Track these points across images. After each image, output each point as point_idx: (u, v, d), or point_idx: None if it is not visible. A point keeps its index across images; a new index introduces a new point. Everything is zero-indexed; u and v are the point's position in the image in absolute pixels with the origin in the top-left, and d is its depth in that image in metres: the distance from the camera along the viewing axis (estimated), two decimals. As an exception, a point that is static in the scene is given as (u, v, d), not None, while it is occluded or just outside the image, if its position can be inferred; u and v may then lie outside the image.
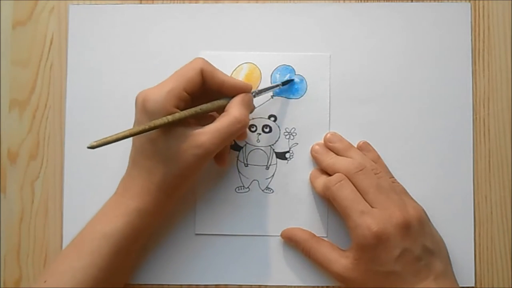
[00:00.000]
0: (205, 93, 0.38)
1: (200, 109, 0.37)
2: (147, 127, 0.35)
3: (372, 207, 0.37)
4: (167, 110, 0.36)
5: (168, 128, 0.36)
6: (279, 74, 0.43)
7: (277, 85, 0.42)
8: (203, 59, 0.38)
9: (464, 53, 0.43)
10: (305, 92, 0.43)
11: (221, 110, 0.39)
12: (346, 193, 0.38)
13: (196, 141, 0.36)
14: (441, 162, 0.43)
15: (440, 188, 0.42)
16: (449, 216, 0.42)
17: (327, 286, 0.42)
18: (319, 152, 0.42)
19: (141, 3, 0.44)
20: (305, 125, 0.43)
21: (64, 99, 0.44)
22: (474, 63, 0.43)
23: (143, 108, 0.36)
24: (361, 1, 0.44)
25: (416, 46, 0.43)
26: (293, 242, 0.41)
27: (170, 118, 0.35)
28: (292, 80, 0.43)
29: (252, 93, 0.40)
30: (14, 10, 0.44)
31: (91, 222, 0.38)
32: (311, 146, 0.43)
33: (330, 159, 0.41)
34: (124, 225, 0.36)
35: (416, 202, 0.40)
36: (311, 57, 0.43)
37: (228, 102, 0.38)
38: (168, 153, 0.36)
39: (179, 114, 0.36)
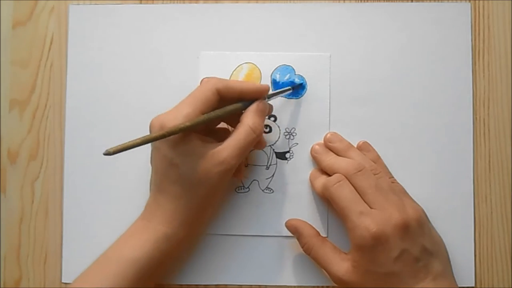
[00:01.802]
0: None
1: (213, 115, 0.37)
2: (165, 133, 0.34)
3: (371, 207, 0.37)
4: (186, 135, 0.36)
5: (190, 150, 0.36)
6: (279, 74, 0.43)
7: (288, 89, 0.42)
8: (216, 78, 0.38)
9: (464, 53, 0.43)
10: (305, 92, 0.43)
11: (235, 115, 0.38)
12: (344, 194, 0.38)
13: (218, 158, 0.36)
14: (441, 162, 0.43)
15: (440, 188, 0.42)
16: (449, 216, 0.42)
17: (327, 286, 0.42)
18: (319, 152, 0.42)
19: (141, 3, 0.44)
20: (305, 125, 0.43)
21: (64, 99, 0.44)
22: (474, 63, 0.43)
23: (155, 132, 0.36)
24: (361, 1, 0.44)
25: (416, 46, 0.43)
26: (297, 234, 0.41)
27: (187, 123, 0.35)
28: (301, 84, 0.43)
29: (267, 95, 0.40)
30: (14, 10, 0.44)
31: (117, 244, 0.37)
32: (311, 146, 0.43)
33: (329, 159, 0.41)
34: (152, 250, 0.36)
35: (415, 203, 0.40)
36: (311, 57, 0.43)
37: (241, 107, 0.38)
38: (192, 176, 0.36)
39: (196, 120, 0.35)
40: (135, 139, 0.33)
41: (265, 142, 0.42)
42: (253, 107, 0.38)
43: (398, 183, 0.41)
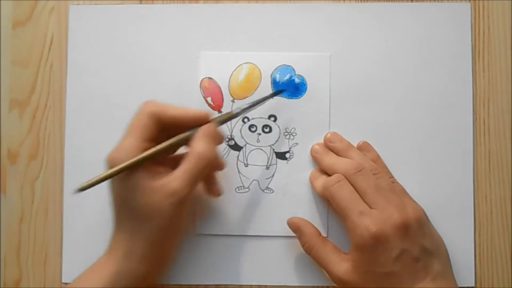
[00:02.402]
0: (172, 135, 0.37)
1: (161, 148, 0.36)
2: (108, 174, 0.35)
3: (371, 207, 0.37)
4: (133, 169, 0.35)
5: (137, 184, 0.35)
6: (279, 74, 0.43)
7: (266, 98, 0.41)
8: (152, 101, 0.37)
9: (464, 53, 0.43)
10: (305, 92, 0.43)
11: (187, 142, 0.37)
12: (344, 194, 0.38)
13: (168, 189, 0.35)
14: (441, 162, 0.43)
15: (440, 188, 0.42)
16: (449, 216, 0.42)
17: (327, 286, 0.42)
18: (319, 152, 0.42)
19: (141, 3, 0.44)
20: (305, 125, 0.43)
21: (64, 99, 0.44)
22: (474, 63, 0.43)
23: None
24: (361, 1, 0.44)
25: (416, 46, 0.43)
26: (298, 233, 0.41)
27: (126, 163, 0.34)
28: (282, 91, 0.42)
29: (231, 114, 0.38)
30: (14, 10, 0.44)
31: (79, 279, 0.37)
32: (311, 146, 0.43)
33: (329, 159, 0.41)
34: (109, 286, 0.35)
35: (415, 203, 0.40)
36: (311, 57, 0.43)
37: (191, 134, 0.37)
38: (144, 211, 0.35)
39: (136, 158, 0.35)
40: (98, 176, 0.35)
41: (224, 163, 0.41)
42: (200, 132, 0.36)
43: (398, 183, 0.41)
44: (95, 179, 0.35)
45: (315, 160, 0.42)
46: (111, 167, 0.35)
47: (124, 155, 0.35)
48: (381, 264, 0.36)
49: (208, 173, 0.40)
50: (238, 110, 0.39)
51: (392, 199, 0.38)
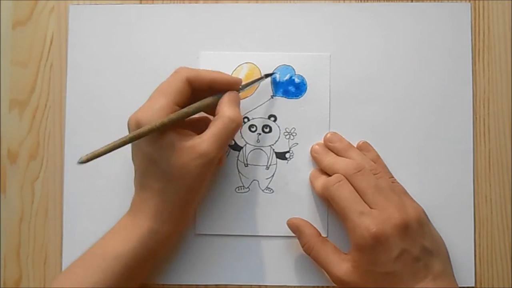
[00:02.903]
0: (195, 100, 0.38)
1: (189, 110, 0.37)
2: (136, 134, 0.34)
3: (371, 207, 0.37)
4: (163, 130, 0.35)
5: (167, 145, 0.36)
6: (279, 74, 0.43)
7: (261, 78, 0.42)
8: (185, 67, 0.38)
9: (464, 53, 0.43)
10: (305, 92, 0.43)
11: (209, 108, 0.38)
12: (344, 194, 0.38)
13: (198, 151, 0.36)
14: (441, 162, 0.43)
15: (440, 188, 0.42)
16: (449, 216, 0.42)
17: (327, 287, 0.42)
18: (318, 152, 0.42)
19: (141, 3, 0.44)
20: (305, 125, 0.43)
21: (64, 99, 0.44)
22: (474, 63, 0.43)
23: (134, 129, 0.36)
24: (361, 1, 0.44)
25: (416, 46, 0.43)
26: (298, 233, 0.41)
27: (158, 123, 0.35)
28: (274, 73, 0.43)
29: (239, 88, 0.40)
30: (14, 10, 0.44)
31: (103, 240, 0.37)
32: (311, 146, 0.43)
33: (329, 160, 0.41)
34: (138, 245, 0.36)
35: (415, 202, 0.40)
36: (311, 57, 0.43)
37: (216, 99, 0.38)
38: (173, 171, 0.36)
39: (168, 118, 0.35)
40: (108, 144, 0.33)
41: (223, 161, 0.42)
42: (226, 98, 0.38)
43: (398, 183, 0.41)
44: (124, 138, 0.34)
45: (315, 160, 0.42)
46: (138, 127, 0.35)
47: (152, 116, 0.35)
48: (381, 264, 0.36)
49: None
50: (262, 76, 0.41)
51: (392, 199, 0.38)
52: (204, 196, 0.42)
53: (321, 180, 0.40)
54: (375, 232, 0.36)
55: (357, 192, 0.38)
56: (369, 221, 0.36)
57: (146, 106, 0.36)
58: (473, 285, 0.42)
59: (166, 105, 0.36)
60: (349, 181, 0.38)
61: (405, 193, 0.40)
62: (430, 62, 0.43)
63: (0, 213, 0.43)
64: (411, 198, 0.40)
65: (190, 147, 0.36)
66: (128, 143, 0.34)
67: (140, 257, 0.36)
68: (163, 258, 0.41)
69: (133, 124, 0.36)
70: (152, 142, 0.36)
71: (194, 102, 0.37)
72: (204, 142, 0.36)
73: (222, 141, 0.36)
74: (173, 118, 0.35)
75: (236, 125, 0.37)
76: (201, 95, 0.38)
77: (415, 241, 0.37)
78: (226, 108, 0.37)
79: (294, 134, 0.43)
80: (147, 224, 0.37)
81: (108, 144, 0.34)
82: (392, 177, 0.41)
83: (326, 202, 0.42)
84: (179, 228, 0.39)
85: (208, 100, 0.38)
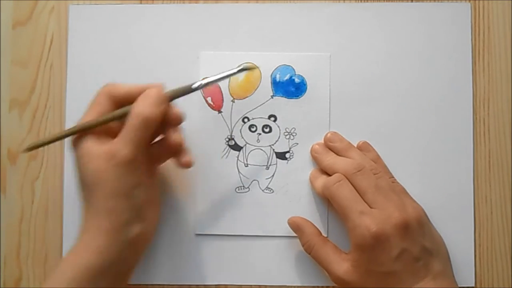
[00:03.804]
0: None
1: (100, 119, 0.36)
2: (62, 134, 0.37)
3: (371, 207, 0.37)
4: (81, 138, 0.36)
5: (84, 151, 0.35)
6: (279, 74, 0.43)
7: (228, 75, 0.39)
8: (108, 83, 0.38)
9: (464, 53, 0.43)
10: (305, 92, 0.43)
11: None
12: (344, 193, 0.38)
13: (107, 153, 0.34)
14: (441, 162, 0.43)
15: (440, 188, 0.42)
16: (449, 216, 0.42)
17: (327, 287, 0.42)
18: (319, 152, 0.42)
19: (141, 3, 0.44)
20: (305, 125, 0.43)
21: (64, 99, 0.44)
22: (474, 63, 0.43)
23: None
24: (361, 1, 0.44)
25: (416, 46, 0.43)
26: (299, 232, 0.41)
27: (75, 128, 0.36)
28: (246, 69, 0.40)
29: (195, 87, 0.38)
30: (14, 10, 0.44)
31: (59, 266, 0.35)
32: (311, 146, 0.43)
33: (329, 159, 0.41)
34: (74, 267, 0.34)
35: (415, 202, 0.40)
36: (311, 57, 0.43)
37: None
38: (90, 178, 0.35)
39: (81, 125, 0.36)
40: (48, 136, 0.36)
41: (190, 160, 0.38)
42: (140, 96, 0.36)
43: (398, 182, 0.41)
44: (42, 140, 0.37)
45: (315, 160, 0.42)
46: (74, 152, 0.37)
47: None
48: (381, 263, 0.36)
49: (158, 133, 0.38)
50: (196, 85, 0.38)
51: (392, 199, 0.38)
52: (152, 209, 0.38)
53: (321, 180, 0.40)
54: (375, 231, 0.36)
55: (357, 192, 0.38)
56: (369, 220, 0.36)
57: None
58: (473, 285, 0.42)
59: (89, 118, 0.36)
60: (349, 180, 0.38)
61: (405, 193, 0.40)
62: (430, 62, 0.43)
63: (0, 213, 0.43)
64: (411, 198, 0.40)
65: (101, 151, 0.35)
66: (57, 140, 0.37)
67: (94, 272, 0.34)
68: (131, 265, 0.37)
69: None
70: (74, 151, 0.36)
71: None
72: (114, 143, 0.35)
73: (131, 138, 0.34)
74: (86, 126, 0.36)
75: (142, 119, 0.34)
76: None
77: (415, 241, 0.37)
78: (135, 103, 0.35)
79: (294, 134, 0.43)
80: (81, 238, 0.35)
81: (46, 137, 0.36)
82: (392, 177, 0.41)
83: (326, 202, 0.42)
84: (116, 243, 0.35)
85: (121, 110, 0.36)
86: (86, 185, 0.35)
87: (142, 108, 0.35)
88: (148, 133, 0.35)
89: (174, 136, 0.37)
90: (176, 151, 0.38)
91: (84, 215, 0.36)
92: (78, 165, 0.36)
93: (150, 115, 0.35)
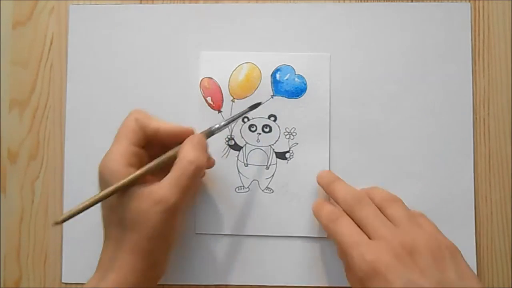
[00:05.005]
0: (159, 145, 0.37)
1: (152, 165, 0.36)
2: (98, 197, 0.34)
3: (370, 238, 0.35)
4: (121, 173, 0.34)
5: (124, 191, 0.34)
6: (279, 74, 0.43)
7: (243, 113, 0.40)
8: (138, 110, 0.38)
9: (464, 53, 0.43)
10: (305, 92, 0.43)
11: (174, 160, 0.36)
12: (343, 230, 0.36)
13: (154, 197, 0.34)
14: (441, 162, 0.43)
15: (440, 188, 0.42)
16: (449, 216, 0.42)
17: (327, 287, 0.42)
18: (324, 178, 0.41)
19: (141, 3, 0.44)
20: (305, 125, 0.43)
21: (64, 99, 0.44)
22: (474, 63, 0.43)
23: (100, 181, 0.36)
24: (361, 1, 0.44)
25: (416, 46, 0.43)
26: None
27: (120, 183, 0.34)
28: (259, 103, 0.41)
29: (214, 129, 0.38)
30: (14, 10, 0.45)
31: None
32: (311, 149, 0.42)
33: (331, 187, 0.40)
34: None
35: (441, 234, 0.36)
36: (311, 57, 0.43)
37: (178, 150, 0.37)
38: (131, 217, 0.34)
39: (129, 178, 0.34)
40: (85, 202, 0.33)
41: (213, 161, 0.41)
42: (187, 141, 0.36)
43: (414, 210, 0.38)
44: (82, 205, 0.34)
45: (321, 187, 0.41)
46: (102, 177, 0.35)
47: (113, 163, 0.35)
48: None
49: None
50: (218, 125, 0.39)
51: (401, 225, 0.35)
52: (175, 246, 0.40)
53: (323, 213, 0.38)
54: (371, 259, 0.33)
55: (358, 225, 0.36)
56: (365, 249, 0.33)
57: (107, 154, 0.36)
58: (473, 285, 0.42)
59: (121, 149, 0.35)
60: (348, 213, 0.37)
61: (425, 220, 0.37)
62: (430, 62, 0.43)
63: (0, 213, 0.43)
64: (433, 228, 0.36)
65: (148, 193, 0.34)
66: (96, 203, 0.34)
67: None
68: None
69: (99, 173, 0.36)
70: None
71: (156, 145, 0.37)
72: (162, 188, 0.34)
73: (181, 186, 0.34)
74: (134, 177, 0.35)
75: (195, 167, 0.35)
76: (160, 142, 0.37)
77: (427, 272, 0.32)
78: (185, 150, 0.35)
79: (294, 134, 0.43)
80: (109, 277, 0.34)
81: (85, 202, 0.34)
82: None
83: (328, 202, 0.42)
84: (145, 281, 0.35)
85: (171, 152, 0.36)
86: (124, 223, 0.34)
87: (195, 157, 0.35)
88: (196, 180, 0.36)
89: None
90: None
91: (113, 251, 0.35)
92: (120, 202, 0.35)
93: (201, 164, 0.35)
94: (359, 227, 0.36)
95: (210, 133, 0.38)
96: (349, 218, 0.37)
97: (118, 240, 0.35)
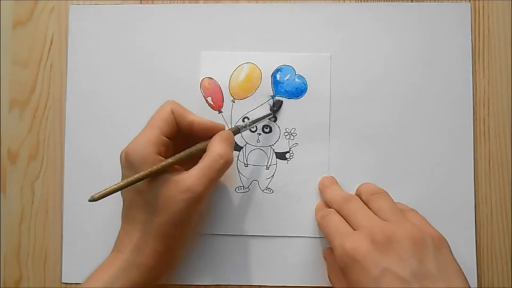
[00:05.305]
0: (184, 137, 0.39)
1: (182, 155, 0.37)
2: (133, 179, 0.34)
3: (355, 229, 0.35)
4: (149, 159, 0.35)
5: (154, 177, 0.35)
6: (280, 74, 0.43)
7: (268, 115, 0.42)
8: (173, 101, 0.39)
9: (464, 53, 0.43)
10: (305, 92, 0.43)
11: (203, 152, 0.38)
12: (330, 223, 0.37)
13: (183, 185, 0.35)
14: (441, 162, 0.43)
15: (440, 188, 0.42)
16: (449, 216, 0.42)
17: (327, 287, 0.42)
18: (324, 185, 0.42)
19: (141, 3, 0.44)
20: (305, 125, 0.43)
21: (64, 99, 0.44)
22: (474, 63, 0.43)
23: (126, 163, 0.36)
24: (361, 1, 0.44)
25: (416, 46, 0.43)
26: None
27: (153, 168, 0.35)
28: (281, 102, 0.43)
29: (240, 126, 0.40)
30: (14, 10, 0.45)
31: (90, 278, 0.36)
32: (312, 151, 0.42)
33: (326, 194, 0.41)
34: (124, 281, 0.35)
35: (428, 226, 0.36)
36: (311, 57, 0.43)
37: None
38: (157, 203, 0.35)
39: (162, 164, 0.35)
40: (119, 183, 0.34)
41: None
42: (217, 136, 0.38)
43: (402, 204, 0.40)
44: (117, 185, 0.34)
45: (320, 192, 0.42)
46: (128, 159, 0.36)
47: (140, 148, 0.36)
48: (362, 286, 0.32)
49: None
50: (244, 124, 0.41)
51: (386, 217, 0.36)
52: (190, 241, 0.42)
53: (318, 213, 0.41)
54: (349, 247, 0.33)
55: (345, 220, 0.37)
56: (346, 239, 0.34)
57: (136, 138, 0.37)
58: (475, 286, 0.41)
59: (152, 136, 0.36)
60: (338, 211, 0.38)
61: (412, 213, 0.37)
62: (430, 62, 0.43)
63: (0, 213, 0.43)
64: (420, 219, 0.37)
65: (177, 181, 0.35)
66: (130, 184, 0.34)
67: None
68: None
69: (123, 156, 0.37)
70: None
71: (186, 146, 0.38)
72: (191, 177, 0.36)
73: (209, 177, 0.36)
74: (166, 164, 0.36)
75: (224, 162, 0.36)
76: (192, 139, 0.39)
77: (404, 261, 0.32)
78: (215, 144, 0.37)
79: (294, 134, 0.43)
80: (131, 258, 0.36)
81: (118, 183, 0.34)
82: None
83: (326, 203, 0.42)
84: (163, 263, 0.37)
85: (201, 145, 0.38)
86: (151, 207, 0.36)
87: (225, 151, 0.37)
88: (222, 174, 0.37)
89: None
90: None
91: (135, 233, 0.36)
92: (149, 187, 0.36)
93: (230, 159, 0.37)
94: (347, 222, 0.37)
95: (237, 130, 0.40)
96: (339, 214, 0.38)
97: (142, 223, 0.36)
